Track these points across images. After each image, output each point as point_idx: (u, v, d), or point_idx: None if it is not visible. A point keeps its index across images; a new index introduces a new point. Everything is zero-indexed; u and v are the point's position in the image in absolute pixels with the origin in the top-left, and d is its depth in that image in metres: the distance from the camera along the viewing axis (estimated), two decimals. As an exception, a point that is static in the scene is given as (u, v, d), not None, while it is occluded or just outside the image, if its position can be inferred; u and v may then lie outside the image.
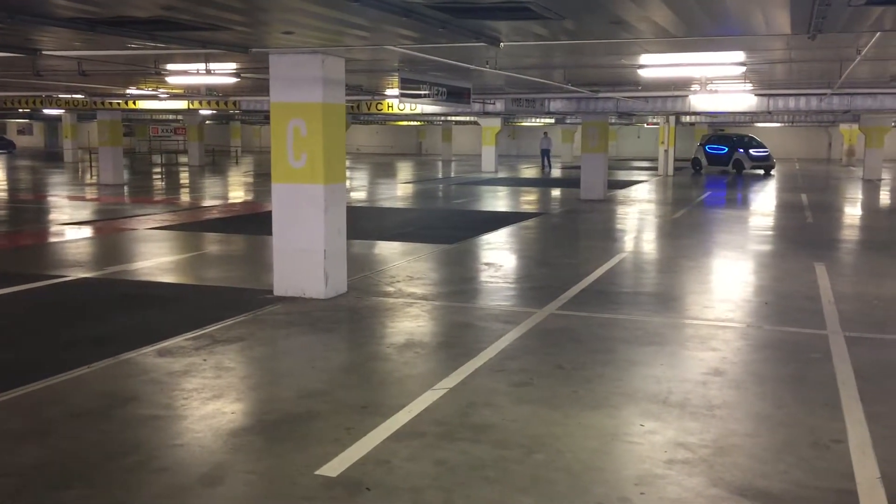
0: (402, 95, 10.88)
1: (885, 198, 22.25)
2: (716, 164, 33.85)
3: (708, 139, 35.02)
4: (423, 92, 10.90)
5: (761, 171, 32.78)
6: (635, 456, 4.39)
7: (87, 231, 14.04)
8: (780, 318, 7.63)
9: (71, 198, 20.55)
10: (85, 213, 16.90)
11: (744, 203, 20.63)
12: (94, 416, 4.95)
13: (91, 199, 20.12)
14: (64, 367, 5.85)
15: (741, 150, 32.83)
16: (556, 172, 34.03)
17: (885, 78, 13.00)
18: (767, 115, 26.63)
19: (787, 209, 18.49)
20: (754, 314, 7.83)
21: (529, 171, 34.75)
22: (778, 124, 39.98)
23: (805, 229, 14.72)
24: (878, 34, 6.98)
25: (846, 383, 5.61)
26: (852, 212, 18.42)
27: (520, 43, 7.73)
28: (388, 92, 17.11)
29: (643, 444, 4.54)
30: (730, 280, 9.69)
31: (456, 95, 12.09)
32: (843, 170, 36.97)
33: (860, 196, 22.59)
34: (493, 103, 18.87)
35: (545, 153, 36.75)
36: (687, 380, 5.70)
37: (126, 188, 23.71)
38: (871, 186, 26.03)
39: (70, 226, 14.63)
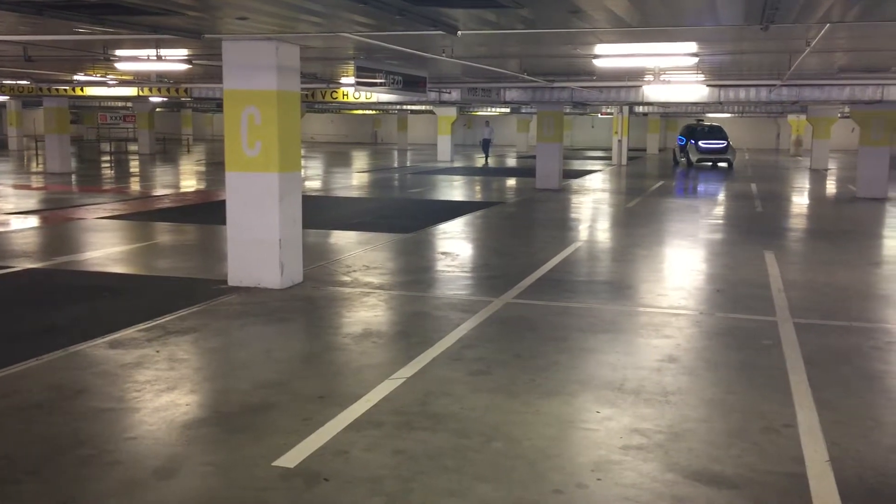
0: (358, 84, 10.80)
1: (831, 187, 22.76)
2: (683, 156, 33.75)
3: (681, 130, 34.35)
4: (379, 80, 10.82)
5: (724, 165, 30.98)
6: (592, 442, 4.43)
7: (33, 220, 13.70)
8: (732, 306, 7.77)
9: (16, 186, 20.03)
10: (31, 202, 16.48)
11: (696, 193, 20.94)
12: (44, 409, 4.83)
13: (37, 188, 19.63)
14: (11, 359, 5.70)
15: (692, 142, 31.75)
16: (493, 163, 33.43)
17: (833, 70, 13.28)
18: (718, 105, 26.97)
19: (737, 198, 18.80)
20: (707, 302, 7.95)
21: (484, 161, 34.74)
22: (728, 115, 40.60)
23: (755, 218, 14.99)
24: (828, 26, 7.11)
25: (796, 369, 5.73)
26: (800, 201, 18.81)
27: (477, 31, 7.72)
28: (344, 80, 16.97)
29: (599, 430, 4.59)
30: (682, 268, 9.82)
31: (412, 84, 12.03)
32: (791, 160, 37.74)
33: (808, 186, 23.09)
34: (450, 92, 18.83)
35: (486, 143, 35.81)
36: (642, 367, 5.77)
37: (74, 177, 23.19)
38: (818, 176, 26.62)
39: (16, 215, 14.26)
